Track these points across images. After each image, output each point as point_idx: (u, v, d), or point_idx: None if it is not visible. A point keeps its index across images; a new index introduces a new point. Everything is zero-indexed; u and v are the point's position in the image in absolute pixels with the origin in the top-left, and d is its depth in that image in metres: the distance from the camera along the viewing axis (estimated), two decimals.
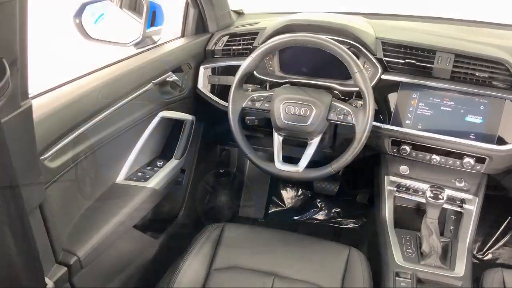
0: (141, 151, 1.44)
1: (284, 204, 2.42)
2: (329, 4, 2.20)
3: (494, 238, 2.13)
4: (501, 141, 1.33)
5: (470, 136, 1.36)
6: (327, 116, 1.33)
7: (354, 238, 2.18)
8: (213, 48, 1.68)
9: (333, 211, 2.34)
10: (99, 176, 1.30)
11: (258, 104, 1.40)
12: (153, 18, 1.58)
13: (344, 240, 2.18)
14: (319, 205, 2.37)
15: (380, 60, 1.45)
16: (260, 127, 1.62)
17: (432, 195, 1.34)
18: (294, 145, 1.47)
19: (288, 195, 2.43)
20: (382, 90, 1.45)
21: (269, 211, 2.39)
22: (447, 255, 1.40)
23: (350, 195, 2.32)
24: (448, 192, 1.48)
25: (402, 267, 1.33)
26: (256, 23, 1.72)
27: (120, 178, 1.39)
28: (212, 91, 1.65)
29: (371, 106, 1.26)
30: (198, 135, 1.83)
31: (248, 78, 1.50)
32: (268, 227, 1.49)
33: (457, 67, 1.38)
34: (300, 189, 2.43)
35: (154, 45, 1.58)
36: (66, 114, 1.09)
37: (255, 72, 1.54)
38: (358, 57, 1.46)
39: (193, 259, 1.33)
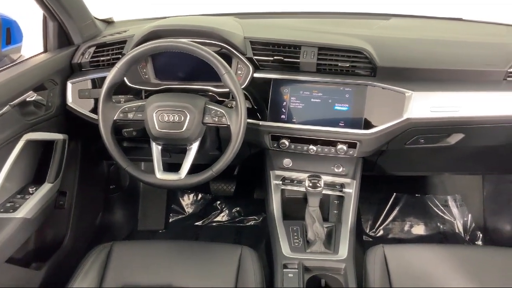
0: (7, 179, 1.31)
1: (185, 211, 2.38)
2: (206, 6, 2.20)
3: (383, 215, 2.29)
4: (367, 125, 1.42)
5: (340, 124, 1.43)
6: (203, 120, 1.32)
7: (256, 235, 2.21)
8: (79, 61, 1.59)
9: (233, 211, 2.35)
10: None
11: (130, 115, 1.35)
12: (8, 35, 1.46)
13: (246, 239, 2.21)
14: (219, 207, 2.37)
15: (250, 59, 1.47)
16: (139, 138, 1.57)
17: (310, 184, 1.39)
18: (178, 152, 1.44)
19: (188, 201, 2.40)
20: (256, 88, 1.48)
21: (170, 220, 2.34)
22: (331, 239, 1.46)
23: (248, 193, 2.34)
24: (328, 178, 1.55)
25: (290, 258, 1.37)
26: (125, 31, 1.66)
27: None
28: (94, 106, 1.56)
29: (242, 105, 1.27)
30: (76, 153, 1.72)
31: (124, 88, 1.45)
32: (169, 237, 1.44)
33: (321, 60, 1.44)
34: (200, 194, 2.41)
35: (12, 64, 1.46)
36: None
37: (127, 82, 1.49)
38: (231, 58, 1.47)
39: (79, 285, 1.25)
